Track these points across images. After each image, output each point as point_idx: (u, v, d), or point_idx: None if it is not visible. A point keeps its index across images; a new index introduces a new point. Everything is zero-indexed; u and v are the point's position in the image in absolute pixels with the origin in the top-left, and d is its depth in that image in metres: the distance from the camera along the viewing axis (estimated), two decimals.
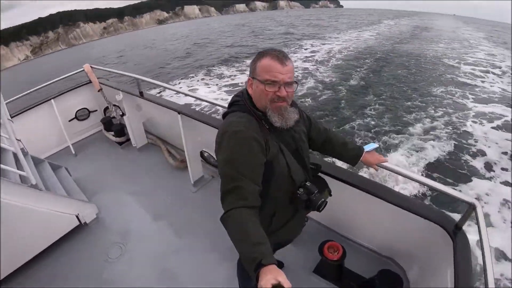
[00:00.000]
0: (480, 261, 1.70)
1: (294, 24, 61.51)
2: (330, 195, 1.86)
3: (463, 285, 1.76)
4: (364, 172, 7.18)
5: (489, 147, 9.74)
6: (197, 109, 10.91)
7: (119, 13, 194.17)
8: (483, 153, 9.36)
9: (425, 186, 2.22)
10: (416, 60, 24.02)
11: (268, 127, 1.52)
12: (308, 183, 1.63)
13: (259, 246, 1.21)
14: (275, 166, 1.52)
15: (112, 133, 4.55)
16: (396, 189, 6.21)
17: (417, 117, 12.18)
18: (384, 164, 2.04)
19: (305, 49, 29.83)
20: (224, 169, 1.44)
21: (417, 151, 9.43)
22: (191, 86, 17.92)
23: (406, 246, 2.69)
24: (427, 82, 17.67)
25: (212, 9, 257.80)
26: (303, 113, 1.88)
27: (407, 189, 7.03)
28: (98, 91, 4.41)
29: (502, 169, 8.48)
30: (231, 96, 1.68)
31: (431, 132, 10.77)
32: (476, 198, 1.92)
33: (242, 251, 1.24)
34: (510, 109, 13.06)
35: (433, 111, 12.85)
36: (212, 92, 15.87)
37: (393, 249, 2.84)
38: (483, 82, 17.99)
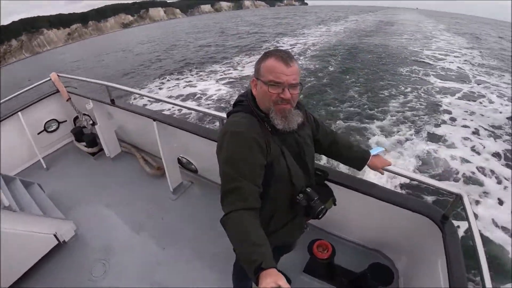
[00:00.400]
0: (469, 248, 1.76)
1: (263, 23, 61.12)
2: (335, 204, 1.83)
3: (457, 271, 1.83)
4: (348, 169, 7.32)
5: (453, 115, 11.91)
6: (171, 114, 10.72)
7: (83, 18, 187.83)
8: (452, 121, 11.42)
9: (414, 181, 2.33)
10: (383, 48, 27.04)
11: (271, 129, 1.49)
12: (308, 189, 1.59)
13: (259, 248, 1.19)
14: (275, 169, 1.49)
15: (84, 143, 4.35)
16: (382, 183, 6.21)
17: (391, 93, 14.54)
18: (389, 168, 2.03)
19: (283, 43, 31.81)
20: (224, 169, 1.42)
21: (396, 125, 11.09)
22: (168, 88, 17.48)
23: (393, 238, 2.73)
24: (395, 64, 20.70)
25: (177, 10, 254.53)
26: (310, 115, 1.85)
27: (393, 182, 7.20)
28: (67, 100, 4.20)
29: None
30: (234, 97, 1.67)
31: (407, 105, 13.06)
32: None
33: (241, 253, 1.23)
34: (468, 85, 16.30)
35: (403, 88, 15.41)
36: (190, 97, 15.36)
37: (380, 242, 2.89)
38: (443, 62, 21.56)
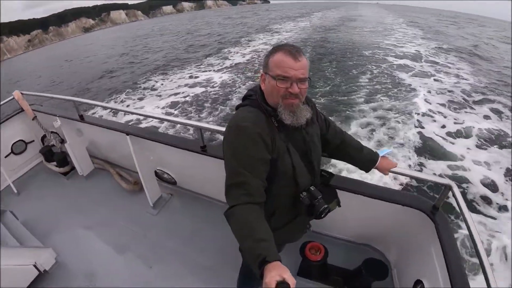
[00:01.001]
0: (462, 235, 1.87)
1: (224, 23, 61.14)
2: (339, 205, 1.82)
3: (452, 255, 1.91)
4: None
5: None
6: (143, 125, 10.51)
7: (43, 24, 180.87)
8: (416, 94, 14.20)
9: (402, 175, 2.34)
10: (348, 38, 31.19)
11: (278, 124, 1.48)
12: (312, 188, 1.59)
13: (263, 243, 1.19)
14: (279, 166, 1.48)
15: (54, 163, 4.13)
16: (369, 179, 6.75)
17: (361, 71, 18.18)
18: (394, 169, 2.04)
19: (259, 39, 33.19)
20: (228, 163, 1.42)
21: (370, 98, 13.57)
22: (137, 100, 16.37)
23: (383, 231, 2.76)
24: (360, 48, 25.47)
25: (139, 13, 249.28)
26: (321, 114, 1.85)
27: (382, 178, 7.31)
28: (33, 119, 3.96)
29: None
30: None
31: (374, 80, 16.38)
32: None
33: (245, 247, 1.22)
34: (419, 63, 20.83)
35: (370, 66, 19.44)
36: (156, 107, 14.72)
37: (370, 236, 2.93)
38: (402, 47, 26.38)
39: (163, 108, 14.14)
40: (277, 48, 1.45)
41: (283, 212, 1.65)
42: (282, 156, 1.47)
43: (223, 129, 1.71)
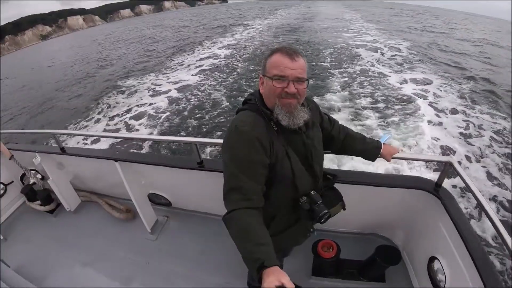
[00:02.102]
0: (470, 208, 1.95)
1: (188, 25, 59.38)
2: (344, 209, 1.79)
3: (465, 228, 1.95)
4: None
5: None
6: (130, 149, 9.57)
7: None
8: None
9: (401, 159, 2.30)
10: (314, 33, 32.80)
11: (277, 128, 1.46)
12: (313, 192, 1.56)
13: (262, 247, 1.18)
14: (277, 170, 1.45)
15: (38, 202, 3.82)
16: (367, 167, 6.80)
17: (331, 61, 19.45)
18: (397, 155, 2.04)
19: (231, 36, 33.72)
20: (227, 167, 1.40)
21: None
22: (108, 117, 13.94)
23: (388, 217, 2.78)
24: (329, 39, 27.89)
25: (97, 17, 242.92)
26: (325, 114, 1.85)
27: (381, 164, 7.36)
28: (10, 158, 3.61)
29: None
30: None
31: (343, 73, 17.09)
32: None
33: (244, 252, 1.21)
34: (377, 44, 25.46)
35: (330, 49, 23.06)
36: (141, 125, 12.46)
37: (375, 225, 2.95)
38: (363, 37, 30.25)
39: (141, 125, 12.36)
40: (274, 50, 1.44)
41: (283, 216, 1.63)
42: (281, 160, 1.45)
43: (220, 141, 1.73)
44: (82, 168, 3.75)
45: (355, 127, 10.07)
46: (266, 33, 35.32)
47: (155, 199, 3.63)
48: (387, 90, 13.67)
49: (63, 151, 3.42)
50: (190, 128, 10.98)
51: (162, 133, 10.68)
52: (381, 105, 11.94)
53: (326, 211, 1.52)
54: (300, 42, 27.00)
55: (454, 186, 6.26)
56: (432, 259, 2.30)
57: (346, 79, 15.55)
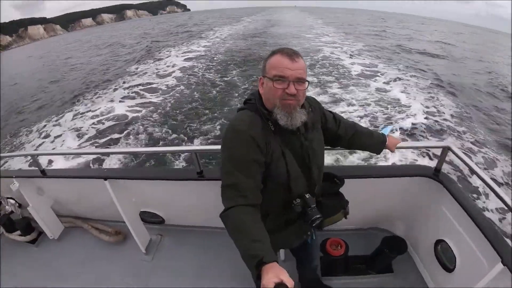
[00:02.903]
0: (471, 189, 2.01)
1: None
2: (345, 217, 1.77)
3: (470, 206, 2.01)
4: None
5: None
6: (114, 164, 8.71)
7: None
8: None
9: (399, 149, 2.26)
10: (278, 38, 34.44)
11: (274, 128, 1.44)
12: (307, 195, 1.53)
13: (259, 243, 1.17)
14: (272, 170, 1.44)
15: (18, 232, 3.38)
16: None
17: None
18: (399, 145, 2.06)
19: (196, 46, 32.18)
20: (224, 164, 1.39)
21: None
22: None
23: (387, 209, 2.79)
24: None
25: (58, 27, 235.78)
26: (329, 113, 1.82)
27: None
28: None
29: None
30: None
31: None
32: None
33: (242, 248, 1.19)
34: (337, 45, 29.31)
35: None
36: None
37: (375, 218, 2.97)
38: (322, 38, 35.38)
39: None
40: (274, 51, 1.42)
41: (276, 216, 1.60)
42: (276, 160, 1.44)
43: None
44: (65, 191, 3.37)
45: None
46: (237, 37, 37.52)
47: (146, 218, 3.34)
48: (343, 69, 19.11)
49: (44, 173, 3.06)
50: (169, 139, 10.36)
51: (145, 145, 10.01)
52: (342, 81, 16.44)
53: (318, 216, 1.49)
54: (268, 44, 29.58)
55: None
56: (438, 242, 2.34)
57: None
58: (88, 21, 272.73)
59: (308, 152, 1.54)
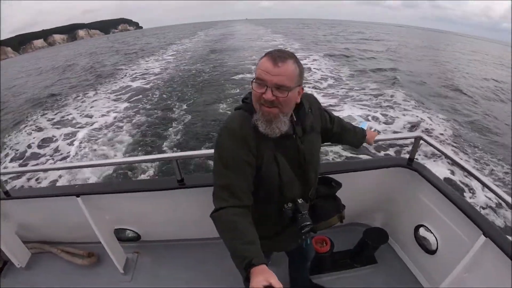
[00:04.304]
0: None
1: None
2: (341, 222, 1.71)
3: (446, 188, 2.09)
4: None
5: None
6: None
7: None
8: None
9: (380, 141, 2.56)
10: (233, 52, 33.37)
11: None
12: (300, 200, 1.48)
13: (249, 245, 1.15)
14: (263, 173, 1.39)
15: None
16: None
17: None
18: (376, 137, 2.08)
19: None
20: (216, 164, 1.35)
21: None
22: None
23: (363, 203, 2.79)
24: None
25: (9, 49, 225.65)
26: (326, 113, 1.75)
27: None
28: None
29: None
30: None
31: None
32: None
33: (231, 249, 1.17)
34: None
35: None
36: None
37: (353, 213, 2.89)
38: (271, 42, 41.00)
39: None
40: (266, 53, 1.32)
41: (270, 221, 1.55)
42: (266, 164, 1.38)
43: (203, 152, 1.70)
44: (31, 214, 2.98)
45: None
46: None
47: (121, 235, 3.08)
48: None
49: (7, 195, 2.71)
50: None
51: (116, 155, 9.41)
52: None
53: (308, 222, 1.44)
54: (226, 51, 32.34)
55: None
56: (417, 228, 2.40)
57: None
58: (39, 42, 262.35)
59: (304, 156, 1.47)
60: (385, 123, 11.00)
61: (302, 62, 1.36)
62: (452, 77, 21.48)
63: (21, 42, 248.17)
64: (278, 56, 1.26)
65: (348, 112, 12.13)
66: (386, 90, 15.27)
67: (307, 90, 2.14)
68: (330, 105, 13.07)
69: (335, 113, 1.89)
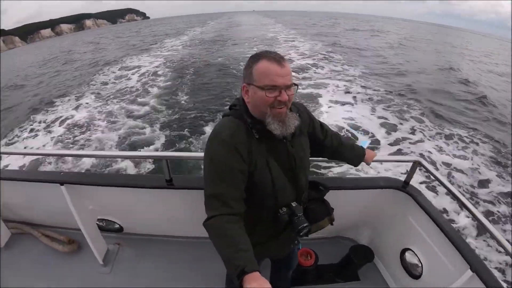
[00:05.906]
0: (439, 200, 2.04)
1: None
2: (331, 223, 1.68)
3: (437, 216, 2.06)
4: None
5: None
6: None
7: None
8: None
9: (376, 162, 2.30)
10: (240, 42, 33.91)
11: (258, 136, 1.35)
12: (294, 204, 1.45)
13: (242, 253, 1.13)
14: (256, 179, 1.35)
15: None
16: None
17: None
18: (375, 158, 2.02)
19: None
20: (206, 173, 1.32)
21: None
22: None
23: (353, 219, 2.78)
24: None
25: (17, 38, 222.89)
26: (316, 120, 1.72)
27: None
28: None
29: None
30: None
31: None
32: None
33: (224, 257, 1.15)
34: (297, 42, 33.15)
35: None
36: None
37: (340, 227, 2.89)
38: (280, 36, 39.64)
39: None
40: (259, 56, 1.29)
41: (264, 226, 1.51)
42: (259, 169, 1.35)
43: (194, 154, 1.54)
44: (13, 194, 2.90)
45: None
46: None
47: (103, 226, 3.00)
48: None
49: None
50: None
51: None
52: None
53: (306, 224, 1.41)
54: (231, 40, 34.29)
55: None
56: (404, 251, 2.36)
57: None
58: (47, 32, 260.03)
59: (294, 159, 1.45)
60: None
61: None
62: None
63: (28, 32, 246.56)
64: (279, 57, 1.27)
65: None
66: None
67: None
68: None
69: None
